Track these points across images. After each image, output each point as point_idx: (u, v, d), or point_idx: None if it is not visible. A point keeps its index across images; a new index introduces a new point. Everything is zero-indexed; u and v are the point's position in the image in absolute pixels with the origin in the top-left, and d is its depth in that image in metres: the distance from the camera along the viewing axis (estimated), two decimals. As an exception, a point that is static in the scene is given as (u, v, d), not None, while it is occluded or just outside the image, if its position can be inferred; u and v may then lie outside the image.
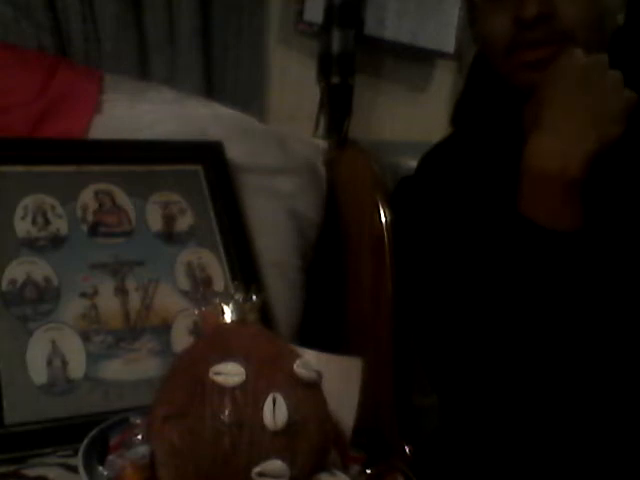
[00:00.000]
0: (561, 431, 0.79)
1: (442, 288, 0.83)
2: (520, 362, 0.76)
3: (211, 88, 1.36)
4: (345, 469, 0.67)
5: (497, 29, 0.81)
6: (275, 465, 0.61)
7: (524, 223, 0.75)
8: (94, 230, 1.02)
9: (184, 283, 1.04)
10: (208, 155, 1.15)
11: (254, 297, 0.72)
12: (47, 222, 1.00)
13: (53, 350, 0.92)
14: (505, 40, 0.80)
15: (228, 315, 0.70)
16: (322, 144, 1.34)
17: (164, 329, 1.00)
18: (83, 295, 0.97)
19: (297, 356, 0.68)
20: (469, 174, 0.87)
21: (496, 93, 0.87)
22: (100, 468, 0.66)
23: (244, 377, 0.63)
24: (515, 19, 0.78)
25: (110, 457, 0.67)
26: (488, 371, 0.78)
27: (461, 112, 0.94)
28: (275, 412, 0.62)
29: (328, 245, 1.29)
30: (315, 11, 1.39)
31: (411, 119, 1.54)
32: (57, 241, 0.99)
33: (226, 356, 0.64)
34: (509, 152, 0.86)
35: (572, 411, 0.78)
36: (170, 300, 1.02)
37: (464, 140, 0.91)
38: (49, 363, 0.92)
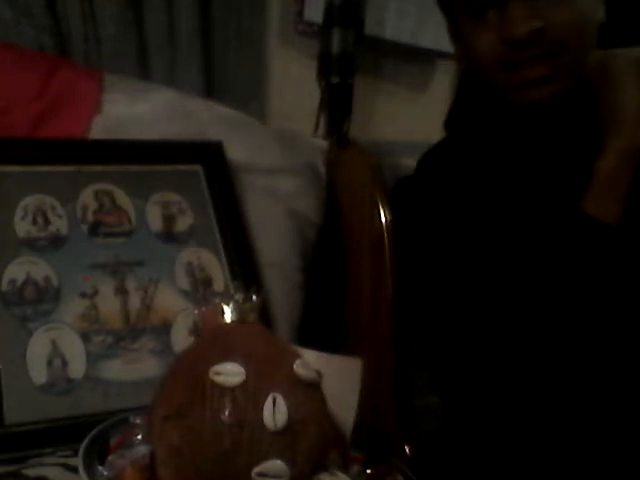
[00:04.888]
0: (563, 431, 0.79)
1: (444, 288, 0.83)
2: (529, 363, 0.76)
3: (211, 88, 1.36)
4: (345, 469, 0.67)
5: (485, 48, 0.77)
6: (275, 465, 0.61)
7: (589, 221, 0.74)
8: (94, 230, 1.02)
9: (184, 283, 1.04)
10: (208, 155, 1.15)
11: (254, 297, 0.72)
12: (47, 222, 1.00)
13: (53, 350, 0.92)
14: (495, 59, 0.76)
15: (228, 315, 0.70)
16: (322, 144, 1.34)
17: (164, 329, 1.00)
18: (83, 295, 0.97)
19: (297, 356, 0.68)
20: (469, 174, 0.87)
21: (488, 98, 0.87)
22: (100, 468, 0.66)
23: (244, 377, 0.63)
24: (504, 39, 0.74)
25: (110, 457, 0.67)
26: (493, 371, 0.78)
27: (454, 118, 0.94)
28: (275, 412, 0.62)
29: (328, 245, 1.29)
30: (315, 11, 1.38)
31: (411, 119, 1.54)
32: (57, 241, 0.99)
33: (226, 356, 0.64)
34: (507, 153, 0.86)
35: (576, 412, 0.78)
36: (170, 300, 1.02)
37: (463, 141, 0.91)
38: (49, 363, 0.92)
